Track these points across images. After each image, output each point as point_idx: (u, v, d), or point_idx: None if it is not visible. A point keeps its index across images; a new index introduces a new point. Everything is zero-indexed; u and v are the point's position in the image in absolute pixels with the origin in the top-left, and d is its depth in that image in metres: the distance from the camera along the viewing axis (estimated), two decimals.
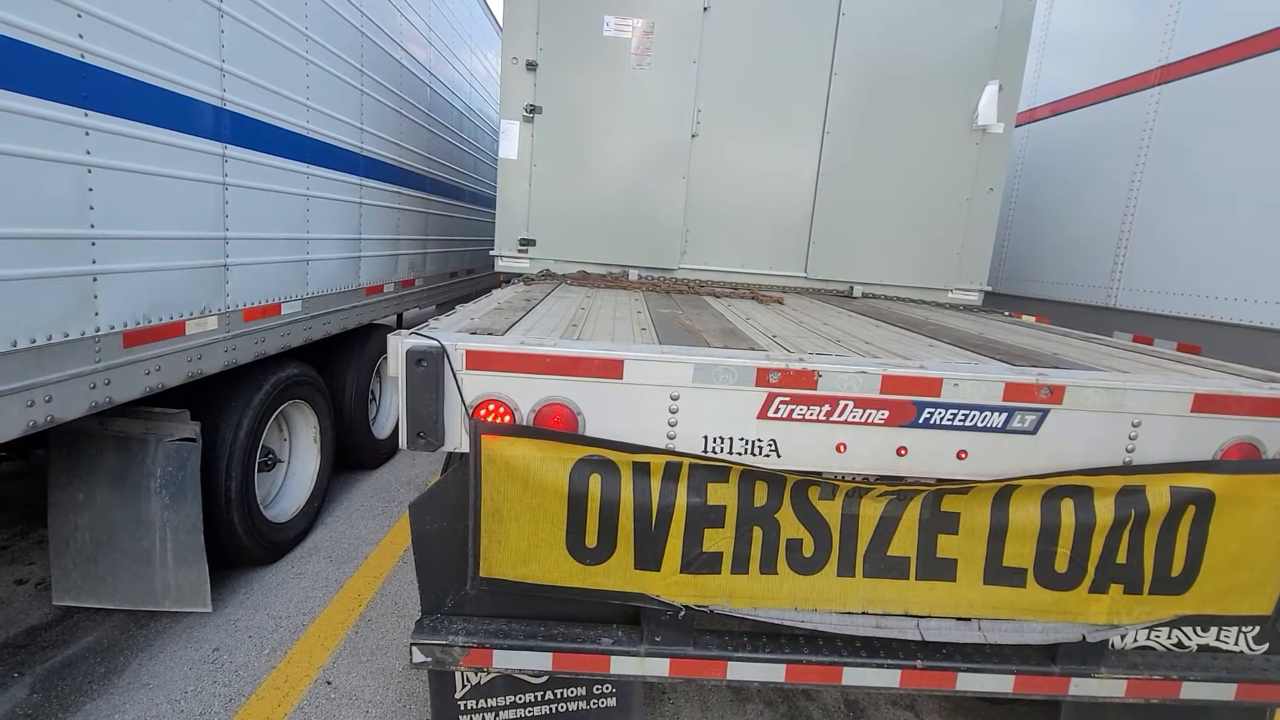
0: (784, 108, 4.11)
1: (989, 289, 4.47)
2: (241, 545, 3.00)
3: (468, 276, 6.92)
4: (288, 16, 3.06)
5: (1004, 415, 1.75)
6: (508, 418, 1.69)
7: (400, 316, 5.67)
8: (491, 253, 4.20)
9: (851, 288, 4.37)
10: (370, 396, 4.56)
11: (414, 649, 1.79)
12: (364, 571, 3.31)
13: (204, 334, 2.62)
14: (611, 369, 1.68)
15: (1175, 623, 1.91)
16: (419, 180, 5.13)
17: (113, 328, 2.15)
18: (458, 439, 1.70)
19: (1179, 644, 2.00)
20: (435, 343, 1.64)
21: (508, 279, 4.22)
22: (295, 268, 3.31)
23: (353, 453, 4.36)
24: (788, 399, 1.71)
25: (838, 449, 1.75)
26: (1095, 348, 2.53)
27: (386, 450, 4.81)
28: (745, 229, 4.26)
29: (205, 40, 2.53)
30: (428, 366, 1.62)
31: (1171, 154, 4.11)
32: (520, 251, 4.13)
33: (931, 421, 1.74)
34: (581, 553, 1.74)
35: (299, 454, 3.63)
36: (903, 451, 1.76)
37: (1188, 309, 3.89)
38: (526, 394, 1.68)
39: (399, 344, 1.63)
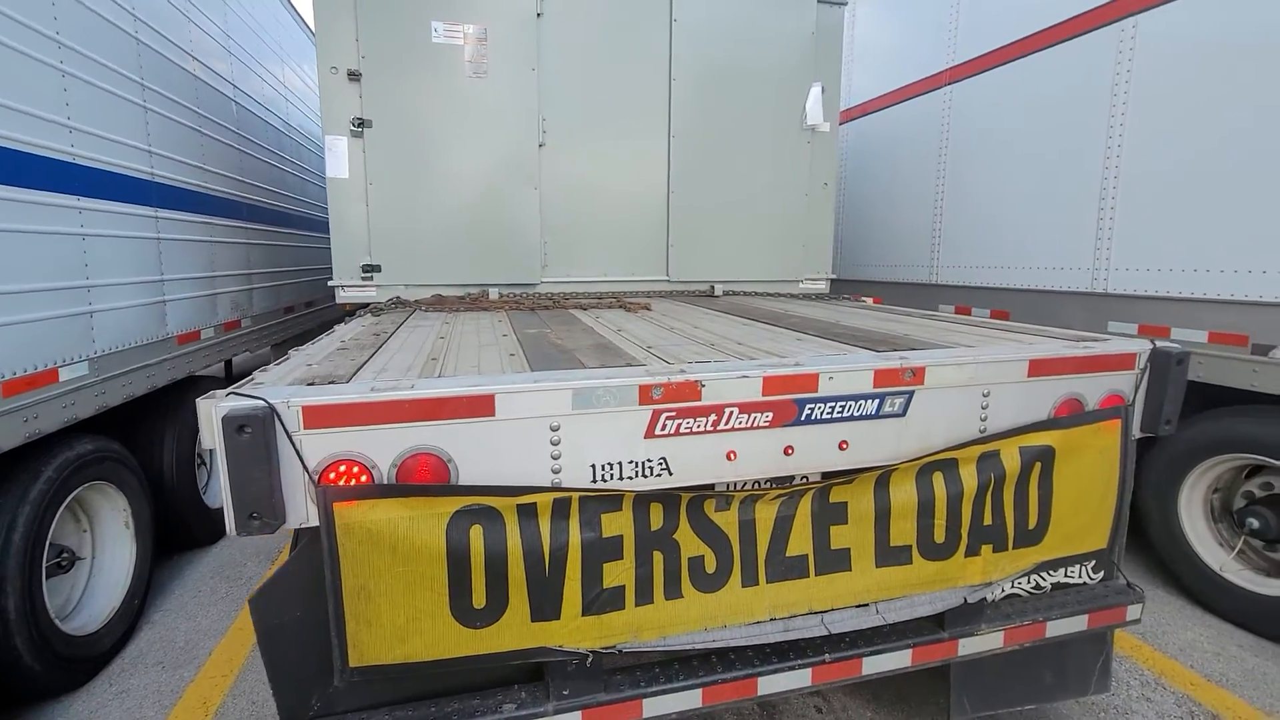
0: (630, 113, 4.10)
1: (834, 276, 4.79)
2: (32, 675, 2.39)
3: (306, 310, 6.25)
4: (26, 18, 2.51)
5: (876, 402, 1.81)
6: (364, 478, 1.45)
7: (230, 363, 4.97)
8: (330, 283, 3.77)
9: (713, 287, 4.47)
10: (199, 461, 3.92)
11: None
12: (209, 672, 2.80)
13: None
14: (482, 406, 1.50)
15: (1035, 570, 2.09)
16: (233, 207, 4.51)
17: None
18: (303, 513, 1.43)
19: (1037, 586, 2.20)
20: (261, 402, 1.36)
21: (354, 310, 3.82)
22: (74, 323, 2.73)
23: (181, 530, 3.71)
24: (674, 413, 1.63)
25: (728, 458, 1.71)
26: (938, 325, 2.74)
27: (223, 521, 4.17)
28: (605, 236, 4.20)
29: None
30: (253, 433, 1.35)
31: (965, 144, 4.65)
32: (365, 279, 3.75)
33: (813, 417, 1.75)
34: (469, 616, 1.54)
35: (107, 546, 3.00)
36: (789, 451, 1.76)
37: (995, 280, 4.41)
38: (385, 448, 1.46)
39: (211, 410, 1.34)
